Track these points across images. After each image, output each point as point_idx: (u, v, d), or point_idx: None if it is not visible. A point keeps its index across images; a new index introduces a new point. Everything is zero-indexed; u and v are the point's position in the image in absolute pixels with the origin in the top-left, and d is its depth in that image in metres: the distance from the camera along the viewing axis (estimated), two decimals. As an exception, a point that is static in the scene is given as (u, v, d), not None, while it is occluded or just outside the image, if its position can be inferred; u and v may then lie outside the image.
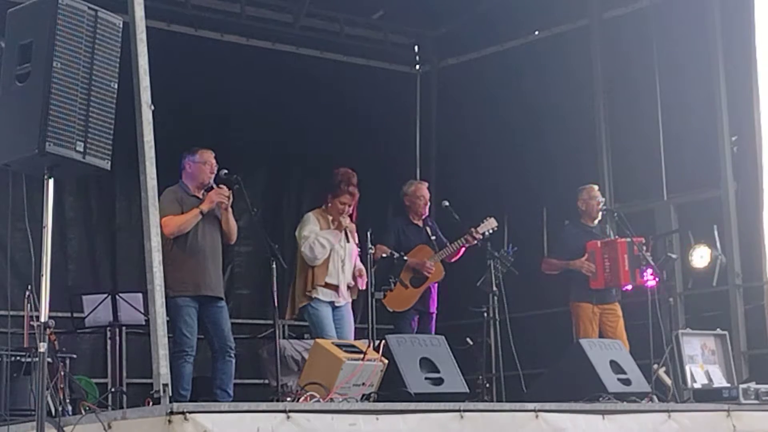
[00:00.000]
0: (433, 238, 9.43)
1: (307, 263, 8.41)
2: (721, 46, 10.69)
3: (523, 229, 11.25)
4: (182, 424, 5.44)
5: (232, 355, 7.98)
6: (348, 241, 8.57)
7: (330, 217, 8.54)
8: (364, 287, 8.51)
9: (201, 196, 8.03)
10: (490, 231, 9.28)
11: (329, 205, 8.57)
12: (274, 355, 8.34)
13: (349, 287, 8.52)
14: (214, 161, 8.07)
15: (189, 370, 7.73)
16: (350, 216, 8.62)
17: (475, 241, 9.23)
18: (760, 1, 10.62)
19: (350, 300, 8.57)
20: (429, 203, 9.55)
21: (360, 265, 8.57)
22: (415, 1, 12.36)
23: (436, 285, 9.43)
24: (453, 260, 9.45)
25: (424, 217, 9.52)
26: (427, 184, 9.72)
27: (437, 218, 10.06)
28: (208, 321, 7.91)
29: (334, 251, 8.44)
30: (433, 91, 13.13)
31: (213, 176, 8.04)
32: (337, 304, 8.44)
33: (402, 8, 12.48)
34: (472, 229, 9.24)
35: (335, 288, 8.42)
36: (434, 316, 9.44)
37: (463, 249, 9.35)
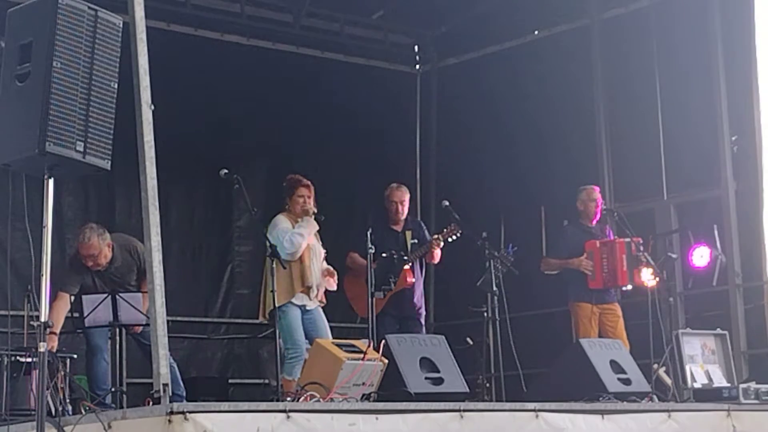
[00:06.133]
0: (414, 242, 9.38)
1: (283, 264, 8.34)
2: (721, 46, 10.68)
3: (522, 229, 11.25)
4: (182, 424, 5.44)
5: None
6: (316, 241, 8.56)
7: (296, 218, 8.50)
8: (334, 288, 8.51)
9: None
10: (453, 238, 9.23)
11: (288, 206, 8.56)
12: (274, 355, 8.33)
13: (318, 288, 8.46)
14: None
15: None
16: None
17: (438, 248, 9.19)
18: (761, 2, 10.62)
19: (321, 303, 8.52)
20: (403, 205, 9.39)
21: (328, 266, 8.54)
22: (415, 1, 12.35)
23: (420, 287, 9.40)
24: (434, 262, 9.42)
25: (402, 219, 9.43)
26: (404, 188, 9.56)
27: (437, 218, 10.03)
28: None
29: (312, 250, 8.43)
30: (433, 91, 13.12)
31: None
32: (308, 308, 8.42)
33: (402, 8, 12.47)
34: (436, 235, 9.23)
35: (308, 290, 8.38)
36: (421, 317, 9.42)
37: (436, 252, 9.27)
